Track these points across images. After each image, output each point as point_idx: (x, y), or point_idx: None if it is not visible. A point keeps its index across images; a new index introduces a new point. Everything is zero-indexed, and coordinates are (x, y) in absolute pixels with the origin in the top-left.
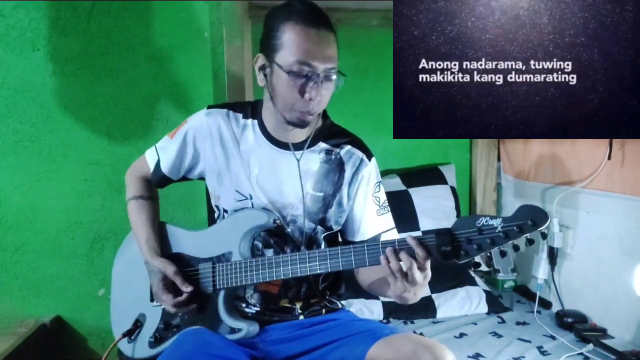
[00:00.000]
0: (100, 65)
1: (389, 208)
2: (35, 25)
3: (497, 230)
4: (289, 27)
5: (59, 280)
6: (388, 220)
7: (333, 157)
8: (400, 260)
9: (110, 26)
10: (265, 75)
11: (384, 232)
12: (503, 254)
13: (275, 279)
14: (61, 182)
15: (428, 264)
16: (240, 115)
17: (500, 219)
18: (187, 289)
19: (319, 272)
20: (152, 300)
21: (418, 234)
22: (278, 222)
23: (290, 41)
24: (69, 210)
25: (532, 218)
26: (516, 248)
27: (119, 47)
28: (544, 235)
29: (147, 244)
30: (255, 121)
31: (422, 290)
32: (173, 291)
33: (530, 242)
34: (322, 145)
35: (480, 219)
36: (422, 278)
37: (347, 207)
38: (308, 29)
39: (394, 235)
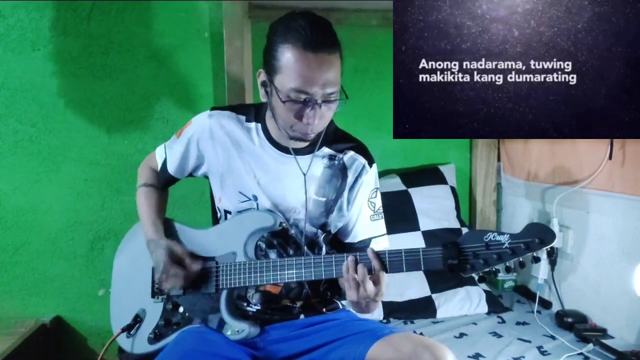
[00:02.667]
0: (100, 65)
1: (383, 215)
2: (35, 25)
3: (504, 246)
4: (286, 49)
5: (59, 280)
6: (380, 226)
7: (336, 162)
8: (355, 270)
9: (110, 26)
10: (266, 92)
11: (374, 237)
12: (508, 269)
13: (279, 282)
14: (61, 182)
15: (383, 279)
16: (243, 118)
17: (508, 235)
18: (197, 266)
19: (323, 278)
20: (153, 296)
21: (418, 234)
22: (284, 224)
23: (287, 66)
24: (69, 210)
25: (539, 236)
26: (522, 265)
27: (119, 47)
28: (550, 253)
29: (155, 226)
30: (259, 125)
31: (376, 306)
32: (181, 267)
33: (535, 259)
34: (326, 150)
35: (488, 234)
36: (374, 292)
37: (346, 212)
38: (306, 54)
39: (385, 241)
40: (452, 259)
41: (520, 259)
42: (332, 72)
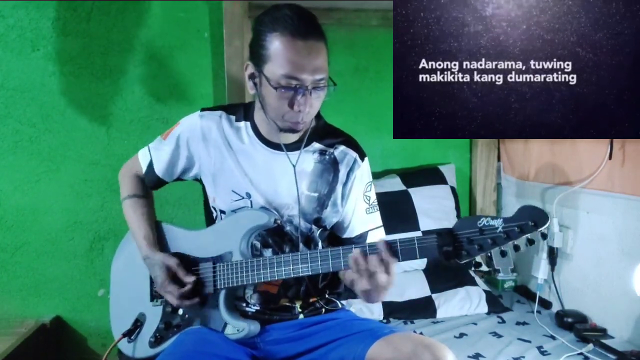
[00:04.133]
0: (100, 65)
1: (377, 207)
2: (35, 25)
3: (498, 231)
4: (275, 38)
5: (59, 280)
6: (376, 219)
7: (327, 157)
8: (367, 261)
9: (110, 26)
10: (255, 84)
11: (371, 230)
12: (503, 254)
13: (276, 278)
14: (61, 182)
15: (393, 268)
16: (233, 118)
17: (501, 220)
18: (190, 279)
19: (320, 272)
20: (152, 299)
21: (418, 234)
22: (279, 222)
23: (277, 54)
24: (68, 211)
25: (532, 218)
26: (517, 248)
27: (118, 47)
28: (544, 236)
29: (146, 240)
30: (248, 123)
31: (385, 294)
32: (178, 283)
33: (530, 242)
34: (316, 145)
35: (482, 219)
36: (386, 282)
37: (341, 207)
38: (295, 41)
39: (381, 233)
40: (447, 246)
41: (515, 242)
42: (320, 58)
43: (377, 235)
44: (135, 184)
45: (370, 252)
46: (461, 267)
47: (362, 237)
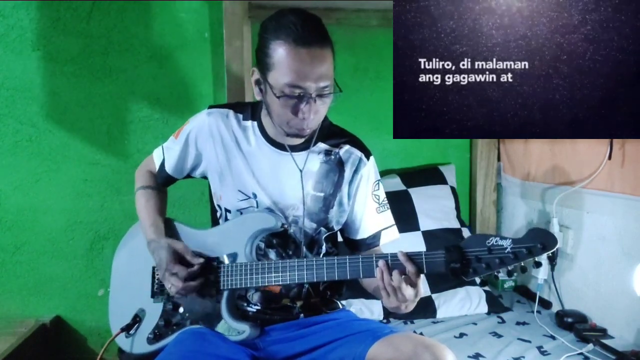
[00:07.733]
0: (100, 65)
1: (388, 206)
2: (35, 25)
3: (506, 251)
4: (278, 46)
5: (59, 280)
6: (388, 217)
7: (332, 157)
8: (391, 275)
9: (110, 26)
10: (261, 90)
11: (383, 229)
12: (510, 274)
13: (280, 283)
14: (61, 182)
15: (419, 280)
16: (241, 116)
17: (510, 240)
18: (197, 260)
19: (325, 279)
20: (152, 296)
21: (418, 234)
22: (285, 226)
23: (280, 62)
24: (68, 211)
25: (541, 241)
26: (523, 270)
27: (118, 47)
28: (552, 258)
29: (154, 227)
30: (255, 123)
31: (414, 304)
32: (184, 264)
33: (537, 264)
34: (322, 145)
35: (491, 239)
36: (413, 295)
37: (347, 206)
38: (298, 49)
39: (394, 232)
40: (455, 263)
41: (522, 264)
42: (324, 66)
43: (390, 234)
44: (149, 177)
45: (392, 264)
46: (465, 282)
47: (376, 237)
